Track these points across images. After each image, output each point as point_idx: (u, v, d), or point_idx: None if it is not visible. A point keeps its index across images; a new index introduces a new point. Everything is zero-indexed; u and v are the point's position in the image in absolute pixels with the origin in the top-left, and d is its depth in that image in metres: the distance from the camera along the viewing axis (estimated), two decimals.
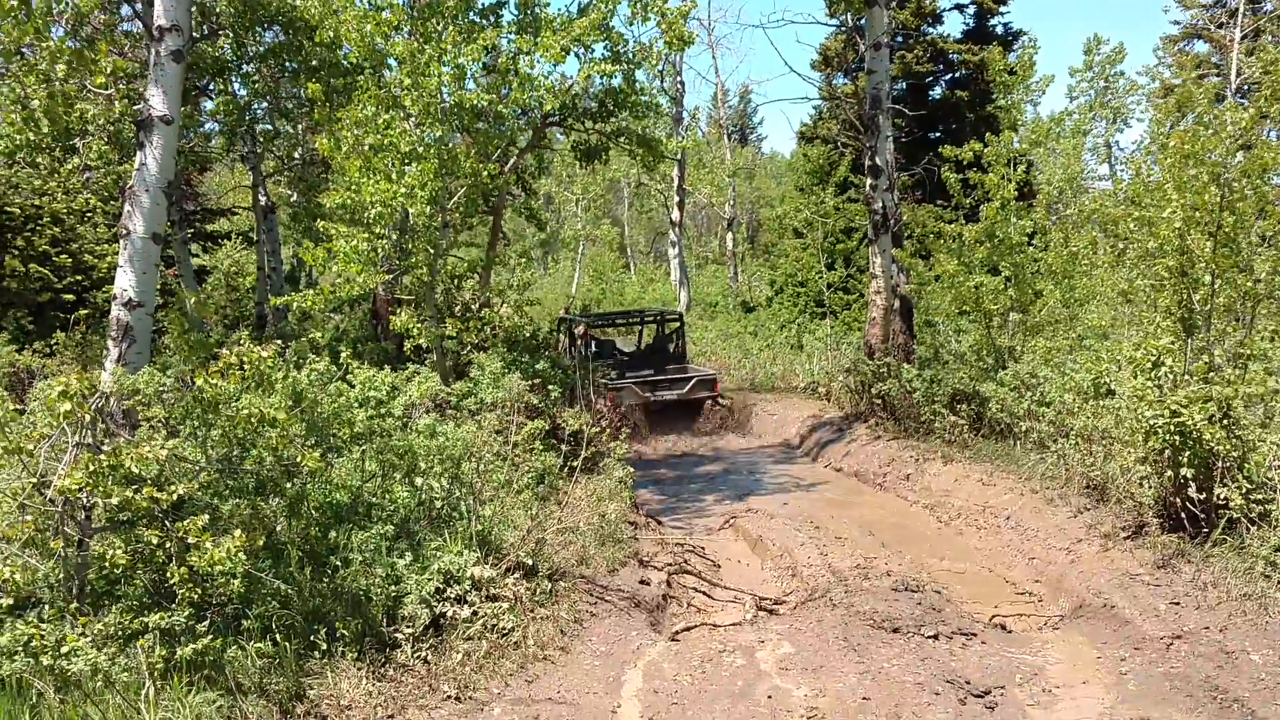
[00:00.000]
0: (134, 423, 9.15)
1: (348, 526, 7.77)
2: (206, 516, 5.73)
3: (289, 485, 7.03)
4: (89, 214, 20.20)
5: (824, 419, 18.21)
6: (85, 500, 5.75)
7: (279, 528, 7.34)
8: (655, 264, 54.05)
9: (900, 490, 13.78)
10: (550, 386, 12.10)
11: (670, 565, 10.06)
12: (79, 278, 19.85)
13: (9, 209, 18.90)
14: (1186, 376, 9.31)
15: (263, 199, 18.44)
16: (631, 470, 11.65)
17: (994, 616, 8.52)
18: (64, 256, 19.39)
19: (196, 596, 5.70)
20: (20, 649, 5.09)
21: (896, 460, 14.49)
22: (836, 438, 16.92)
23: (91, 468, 5.32)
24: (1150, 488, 9.33)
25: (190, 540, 5.60)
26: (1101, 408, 10.88)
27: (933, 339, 18.64)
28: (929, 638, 7.67)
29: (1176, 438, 8.63)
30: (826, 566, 9.87)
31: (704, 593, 9.76)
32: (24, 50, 9.91)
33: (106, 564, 5.61)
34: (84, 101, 13.46)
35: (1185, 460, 8.62)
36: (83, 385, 5.33)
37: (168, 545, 5.72)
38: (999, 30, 31.76)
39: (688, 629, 8.18)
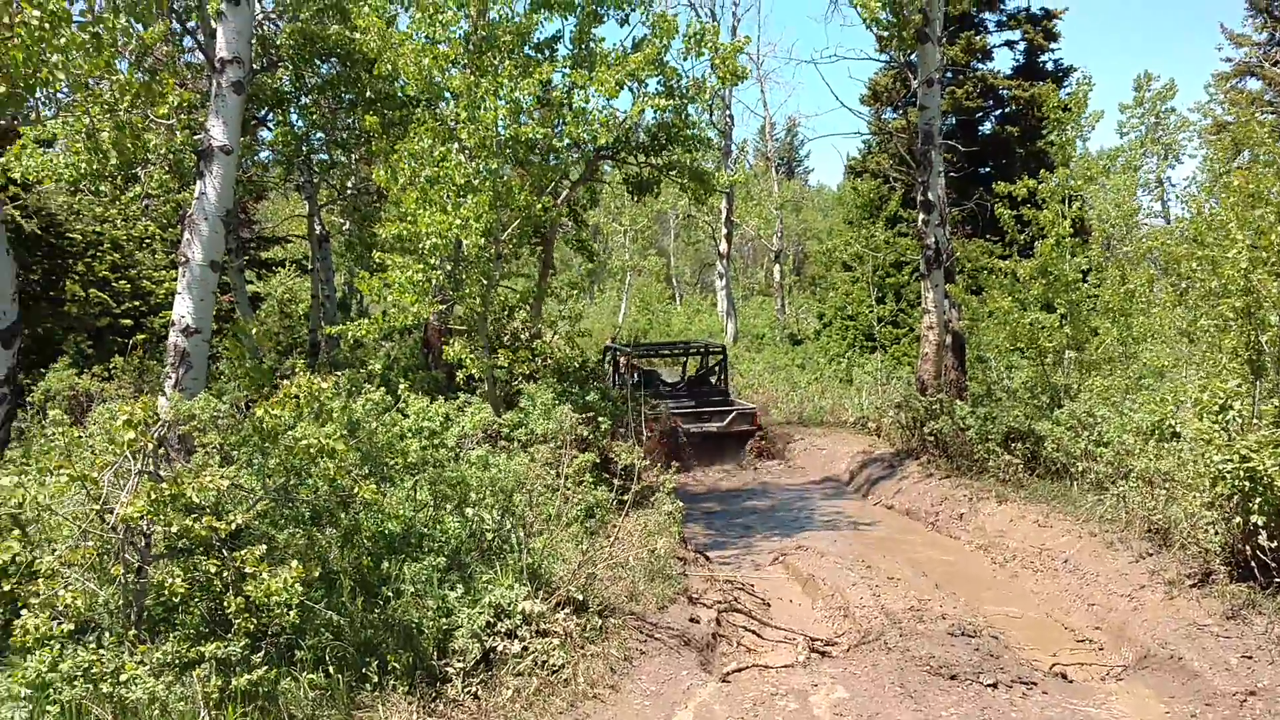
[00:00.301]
0: (189, 448, 9.23)
1: (400, 557, 7.76)
2: (264, 546, 5.74)
3: (344, 515, 7.03)
4: (148, 240, 20.57)
5: (874, 455, 18.01)
6: (145, 528, 5.78)
7: (332, 557, 7.36)
8: (702, 295, 54.06)
9: (953, 530, 13.55)
10: (600, 419, 12.07)
11: (720, 603, 9.94)
12: (137, 303, 20.18)
13: (70, 235, 19.28)
14: (1255, 420, 9.08)
15: (317, 228, 18.68)
16: (680, 505, 11.52)
17: (1054, 665, 8.31)
18: (123, 282, 19.73)
19: (252, 626, 5.70)
20: (80, 675, 5.11)
21: (949, 499, 14.27)
22: (887, 475, 16.71)
23: (153, 496, 5.35)
24: (1217, 534, 9.08)
25: (247, 570, 5.61)
26: (1163, 449, 10.65)
27: (984, 375, 18.44)
28: (988, 686, 7.48)
29: (1246, 483, 8.39)
30: (879, 608, 9.69)
31: (754, 632, 9.62)
32: (89, 81, 10.13)
33: (165, 591, 5.63)
34: (147, 131, 13.75)
35: (1255, 507, 8.37)
36: (145, 414, 5.36)
37: (225, 574, 5.73)
38: (1049, 67, 31.54)
39: (739, 670, 8.05)
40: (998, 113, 31.51)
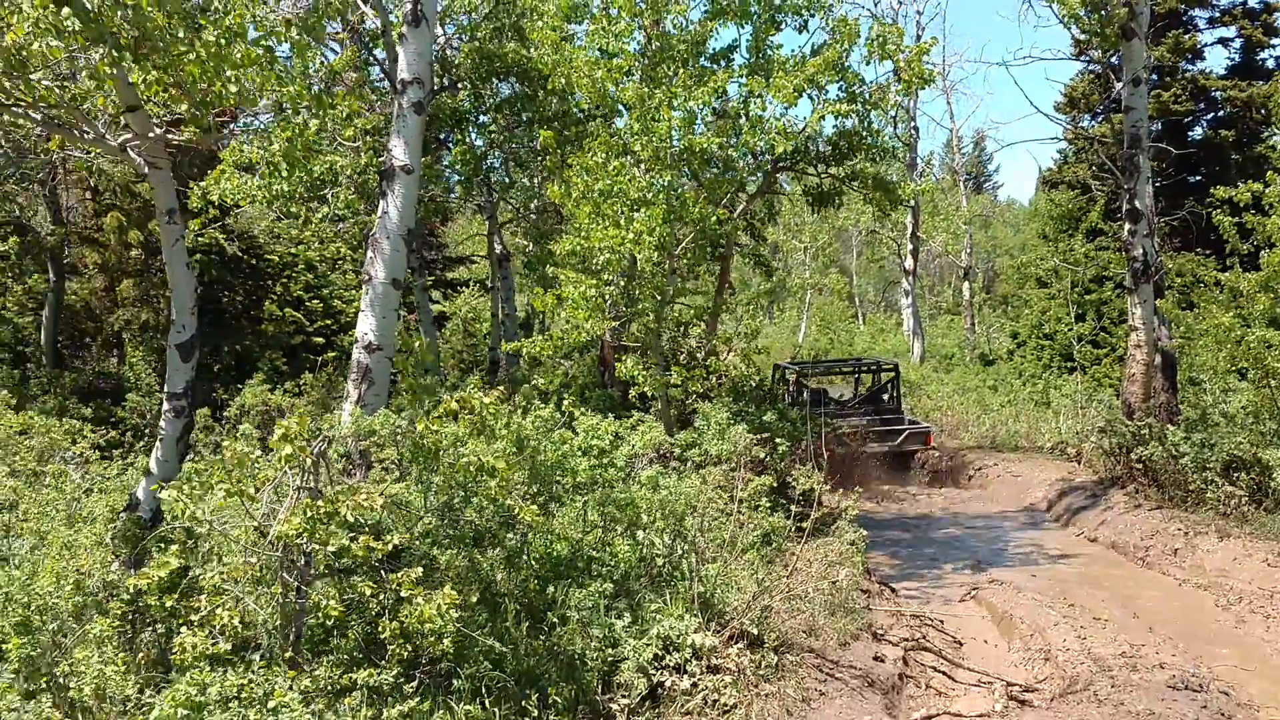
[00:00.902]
0: (369, 463, 9.23)
1: (566, 582, 7.46)
2: (420, 569, 5.49)
3: (509, 536, 6.77)
4: (339, 261, 21.33)
5: (1075, 483, 16.75)
6: (305, 546, 5.65)
7: (499, 579, 7.12)
8: (886, 314, 52.59)
9: (1166, 567, 12.32)
10: (778, 440, 11.52)
11: (907, 640, 9.22)
12: (328, 322, 20.93)
13: (268, 257, 20.16)
14: None
15: (498, 247, 18.88)
16: (864, 533, 10.82)
17: None
18: (315, 302, 20.50)
19: (407, 654, 5.46)
20: (233, 699, 4.96)
21: (1161, 532, 13.01)
22: (1090, 504, 15.46)
23: (310, 514, 5.18)
24: None
25: (403, 593, 5.37)
26: None
27: (1198, 398, 16.89)
28: None
29: None
30: (1085, 652, 8.77)
31: (945, 673, 8.87)
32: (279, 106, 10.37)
33: (321, 614, 5.45)
34: (334, 154, 14.14)
35: None
36: (303, 429, 5.21)
37: (381, 597, 5.52)
38: (1269, 65, 29.04)
39: (928, 717, 7.35)
40: (1209, 117, 29.29)
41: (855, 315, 52.17)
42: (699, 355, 13.26)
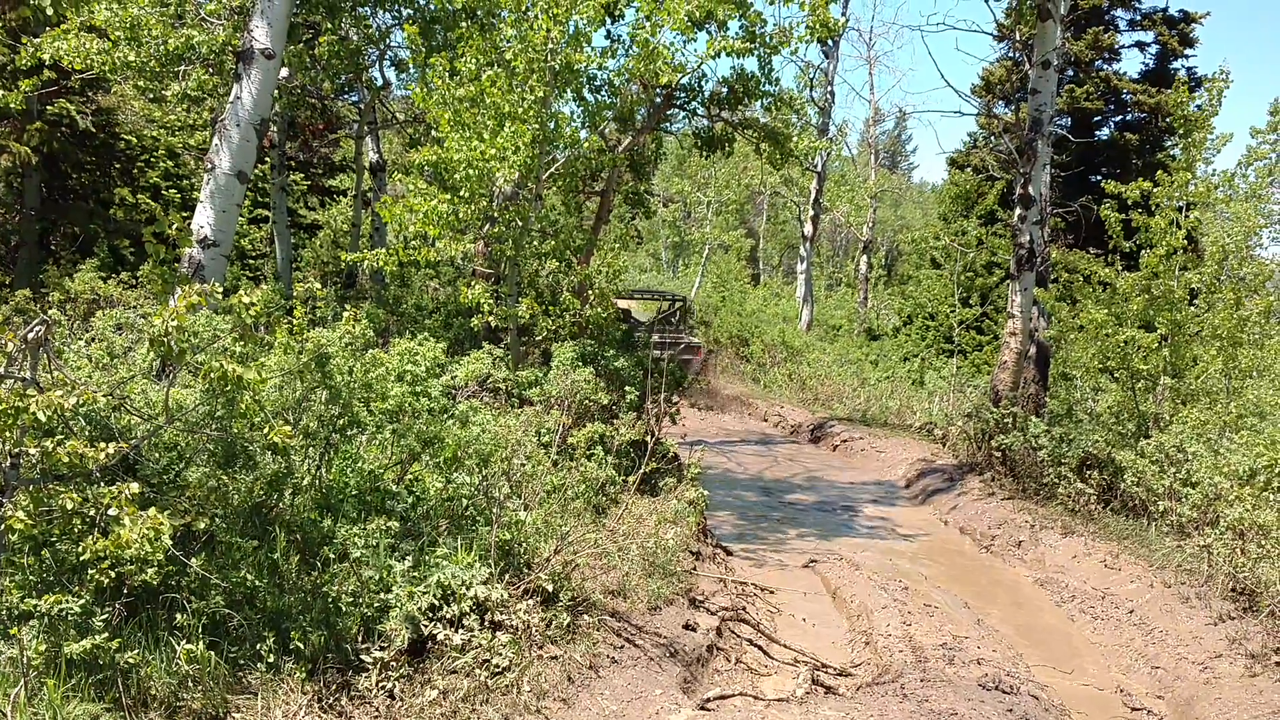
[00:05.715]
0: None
1: (353, 516, 6.70)
2: (135, 485, 4.67)
3: (267, 459, 5.97)
4: (205, 150, 19.90)
5: (935, 464, 16.58)
6: (9, 448, 4.79)
7: (280, 505, 6.34)
8: (784, 279, 52.35)
9: (1008, 557, 12.14)
10: (628, 388, 10.88)
11: (726, 610, 8.71)
12: (185, 215, 19.53)
13: (125, 137, 18.64)
14: None
15: (373, 155, 17.70)
16: (704, 492, 10.28)
17: None
18: (174, 192, 19.06)
19: (109, 581, 4.65)
20: None
21: (1008, 523, 12.83)
22: (946, 487, 15.28)
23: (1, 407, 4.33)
24: None
25: (112, 512, 4.56)
26: (1263, 499, 9.18)
27: (1067, 394, 16.84)
28: None
29: None
30: (907, 639, 8.39)
31: (761, 649, 8.41)
32: None
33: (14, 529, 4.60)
34: (193, 29, 12.91)
35: None
36: None
37: (89, 513, 4.69)
38: (1181, 74, 29.25)
39: (722, 697, 6.81)
40: (1118, 118, 29.44)
41: (755, 277, 51.75)
42: (560, 292, 12.46)
